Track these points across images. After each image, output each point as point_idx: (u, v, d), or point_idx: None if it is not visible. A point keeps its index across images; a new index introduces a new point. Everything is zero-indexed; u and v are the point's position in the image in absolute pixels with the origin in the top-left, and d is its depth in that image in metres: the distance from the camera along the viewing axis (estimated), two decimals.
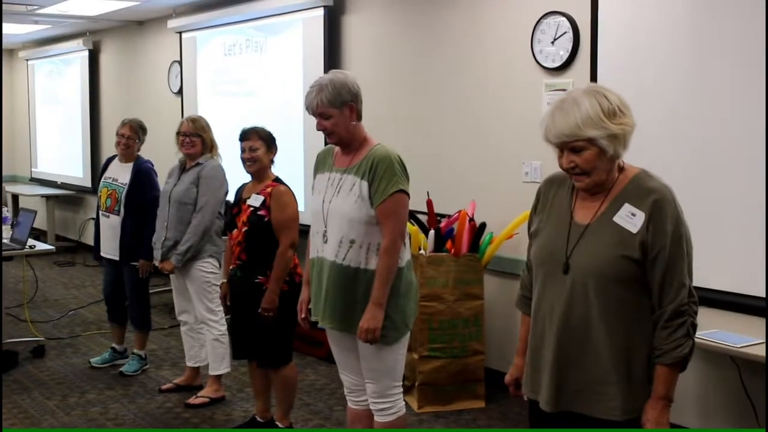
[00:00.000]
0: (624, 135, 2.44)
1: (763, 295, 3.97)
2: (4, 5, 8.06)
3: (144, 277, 5.71)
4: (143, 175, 5.69)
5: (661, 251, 2.43)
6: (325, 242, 3.51)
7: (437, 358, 5.10)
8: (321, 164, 3.67)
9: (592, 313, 2.48)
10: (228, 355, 5.24)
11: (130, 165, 5.74)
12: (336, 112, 3.45)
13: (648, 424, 2.46)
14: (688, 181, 4.12)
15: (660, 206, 2.44)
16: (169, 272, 5.26)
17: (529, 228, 2.75)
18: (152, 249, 5.46)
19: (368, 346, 3.48)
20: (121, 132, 5.79)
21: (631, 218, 2.45)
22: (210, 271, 5.14)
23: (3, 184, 11.88)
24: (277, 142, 4.56)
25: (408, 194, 3.48)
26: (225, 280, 4.65)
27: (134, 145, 5.78)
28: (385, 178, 3.41)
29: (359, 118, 3.53)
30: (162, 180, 5.55)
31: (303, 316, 3.72)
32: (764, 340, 3.67)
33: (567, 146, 2.45)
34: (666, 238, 2.42)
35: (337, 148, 3.61)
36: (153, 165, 5.82)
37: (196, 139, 5.14)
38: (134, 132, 5.77)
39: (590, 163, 2.45)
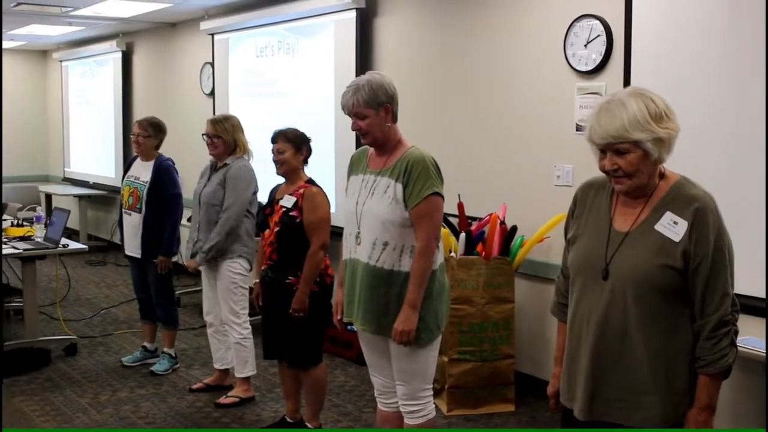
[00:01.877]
0: (669, 139, 2.43)
1: None
2: (38, 7, 8.16)
3: (163, 273, 5.76)
4: (163, 172, 5.76)
5: (703, 260, 2.41)
6: (359, 244, 3.52)
7: (467, 361, 5.09)
8: (355, 166, 3.67)
9: (630, 321, 2.46)
10: (252, 357, 5.26)
11: (151, 163, 5.80)
12: (372, 112, 3.46)
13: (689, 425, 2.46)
14: (722, 186, 4.07)
15: (703, 214, 2.42)
16: (193, 270, 5.29)
17: (566, 233, 2.72)
18: (171, 245, 5.55)
19: (401, 348, 3.48)
20: (133, 131, 5.92)
21: (673, 227, 2.43)
22: (238, 272, 5.16)
23: (36, 184, 12.09)
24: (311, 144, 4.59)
25: (443, 197, 3.48)
26: (257, 280, 4.67)
27: (146, 142, 5.83)
28: (420, 180, 3.41)
29: (395, 119, 3.53)
30: (188, 179, 5.60)
31: (339, 317, 3.73)
32: None
33: (611, 148, 2.43)
34: (709, 246, 2.41)
35: (371, 150, 3.61)
36: (174, 163, 5.88)
37: (217, 140, 5.16)
38: (143, 129, 5.84)
39: (634, 166, 2.43)
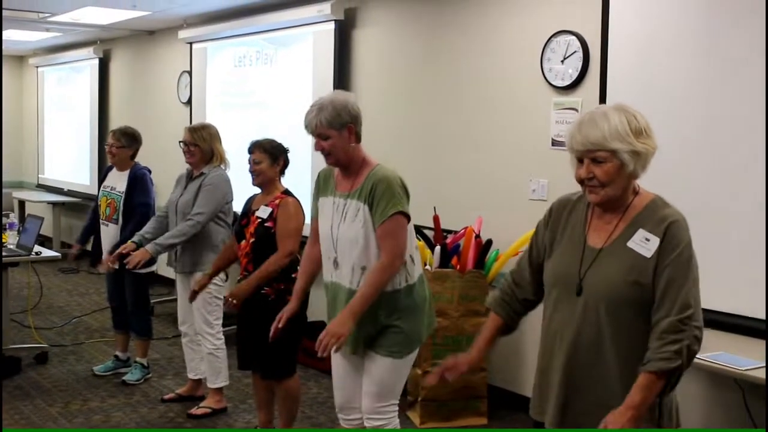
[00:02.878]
0: (646, 155, 2.47)
1: (765, 317, 3.98)
2: (16, 12, 8.11)
3: (140, 283, 5.76)
4: (136, 181, 5.74)
5: (666, 267, 2.43)
6: (337, 268, 3.53)
7: None
8: (323, 187, 3.66)
9: (603, 335, 2.48)
10: (225, 368, 5.24)
11: (127, 173, 5.77)
12: (335, 133, 3.45)
13: (608, 425, 2.41)
14: (695, 201, 4.12)
15: (673, 229, 2.45)
16: (134, 262, 5.10)
17: (533, 241, 2.75)
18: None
19: (379, 359, 3.49)
20: (107, 141, 5.91)
21: (645, 243, 2.46)
22: (214, 283, 5.13)
23: (10, 190, 11.98)
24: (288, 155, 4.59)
25: (407, 216, 3.47)
26: (208, 273, 4.84)
27: (120, 152, 5.81)
28: (383, 199, 3.41)
29: (358, 140, 3.52)
30: (164, 187, 5.57)
31: (280, 325, 3.74)
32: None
33: (589, 155, 2.47)
34: (673, 254, 2.43)
35: (337, 171, 3.60)
36: (150, 172, 5.85)
37: (194, 148, 5.15)
38: (117, 139, 5.83)
39: (609, 176, 2.46)
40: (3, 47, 11.29)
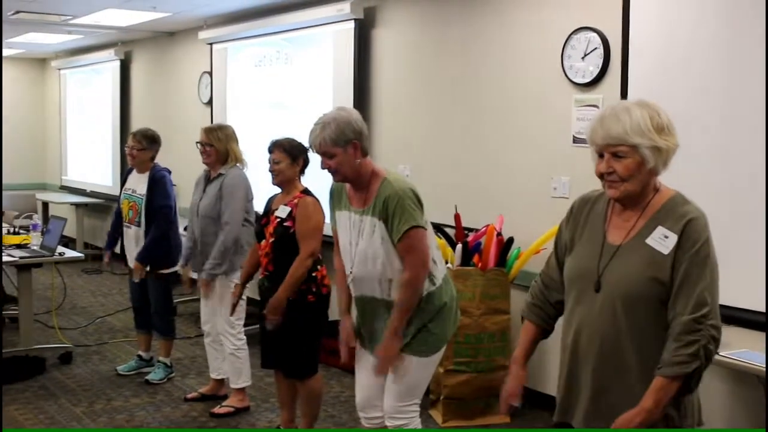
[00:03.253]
0: (667, 151, 2.46)
1: None
2: (38, 15, 8.17)
3: (163, 284, 5.80)
4: (156, 182, 5.76)
5: (683, 264, 2.41)
6: (363, 283, 3.57)
7: (463, 372, 5.09)
8: (337, 201, 3.68)
9: (622, 332, 2.47)
10: (247, 368, 5.26)
11: (147, 175, 5.80)
12: (340, 151, 3.45)
13: (617, 426, 2.41)
14: (717, 200, 4.09)
15: (692, 226, 2.44)
16: (203, 288, 5.29)
17: (557, 240, 2.74)
18: (155, 255, 5.69)
19: (405, 358, 3.51)
20: (127, 144, 5.92)
21: (663, 240, 2.45)
22: (236, 282, 5.16)
23: (34, 192, 12.09)
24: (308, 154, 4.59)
25: (422, 227, 3.47)
26: (240, 282, 4.81)
27: (140, 155, 5.82)
28: (396, 216, 3.42)
29: (365, 154, 3.52)
30: (185, 188, 5.59)
31: (352, 345, 3.73)
32: None
33: (610, 150, 2.46)
34: (690, 251, 2.41)
35: (348, 185, 3.61)
36: (170, 172, 5.88)
37: (209, 149, 5.18)
38: (137, 141, 5.84)
39: (629, 171, 2.45)
40: (26, 50, 11.42)
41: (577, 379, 2.59)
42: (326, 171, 3.54)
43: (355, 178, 3.52)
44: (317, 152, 3.51)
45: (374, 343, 3.59)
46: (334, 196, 3.70)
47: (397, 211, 3.41)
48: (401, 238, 3.41)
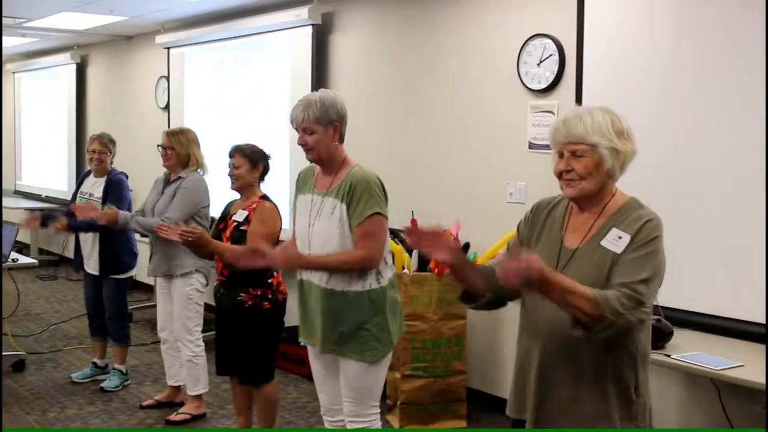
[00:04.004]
0: (625, 155, 2.51)
1: (743, 317, 4.03)
2: None
3: (119, 289, 5.75)
4: (112, 186, 5.71)
5: (629, 252, 2.44)
6: None
7: (419, 378, 5.10)
8: (302, 185, 3.67)
9: (575, 335, 2.49)
10: (204, 374, 5.23)
11: (104, 179, 5.75)
12: (320, 129, 3.46)
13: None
14: (671, 203, 4.15)
15: (645, 225, 2.47)
16: (107, 220, 5.16)
17: (515, 239, 2.75)
18: (127, 262, 5.61)
19: (351, 364, 3.50)
20: (92, 148, 5.84)
21: (617, 241, 2.49)
22: (195, 288, 5.13)
23: None
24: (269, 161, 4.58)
25: (386, 216, 3.48)
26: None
27: (107, 159, 5.80)
28: (362, 200, 3.42)
29: (341, 140, 3.54)
30: (142, 193, 5.55)
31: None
32: (743, 363, 3.69)
33: (570, 149, 2.51)
34: (637, 244, 2.45)
35: (317, 170, 3.61)
36: (127, 177, 5.84)
37: (170, 152, 5.15)
38: (105, 146, 5.80)
39: (587, 170, 2.50)
40: None
41: (529, 376, 2.61)
42: (302, 147, 3.51)
43: (328, 161, 3.52)
44: (297, 127, 3.49)
45: (313, 336, 3.57)
46: (300, 180, 3.69)
47: (364, 195, 3.41)
48: (363, 222, 3.40)
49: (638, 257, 2.43)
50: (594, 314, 2.34)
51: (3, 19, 8.12)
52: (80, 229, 5.71)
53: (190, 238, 4.12)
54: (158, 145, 5.23)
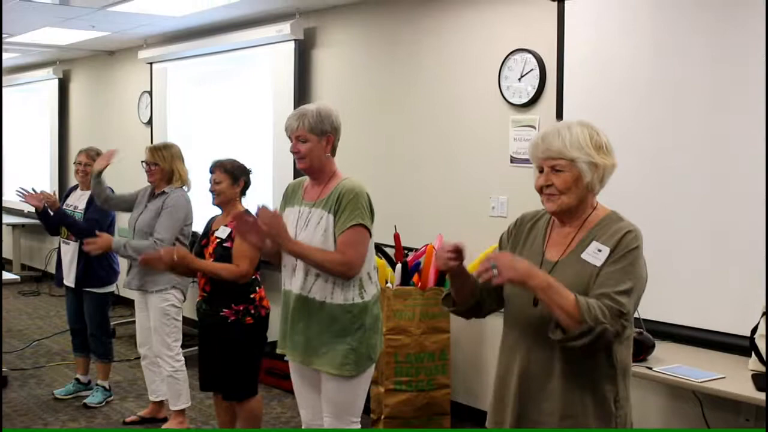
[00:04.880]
0: (604, 168, 2.54)
1: (724, 330, 4.06)
2: None
3: (99, 304, 5.74)
4: (94, 200, 5.70)
5: (609, 264, 2.46)
6: (294, 275, 3.54)
7: (403, 392, 5.10)
8: (290, 198, 3.68)
9: (555, 347, 2.51)
10: (186, 389, 5.22)
11: (89, 192, 5.75)
12: (314, 138, 3.48)
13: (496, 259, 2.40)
14: (653, 215, 4.18)
15: (624, 237, 2.50)
16: (103, 248, 5.10)
17: (500, 244, 2.79)
18: (105, 276, 5.62)
19: (331, 379, 3.49)
20: (78, 160, 5.87)
21: (597, 254, 2.51)
22: (171, 304, 5.12)
23: None
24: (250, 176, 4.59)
25: (369, 230, 3.49)
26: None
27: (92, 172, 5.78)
28: (347, 209, 3.43)
29: (333, 152, 3.57)
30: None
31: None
32: (725, 375, 3.72)
33: (549, 164, 2.53)
34: (616, 256, 2.46)
35: (306, 182, 3.62)
36: (112, 191, 5.83)
37: (154, 167, 5.15)
38: (91, 159, 5.81)
39: (566, 185, 2.52)
40: None
41: (509, 390, 2.62)
42: (294, 155, 3.52)
43: (318, 171, 3.54)
44: (291, 135, 3.51)
45: (295, 351, 3.57)
46: (289, 192, 3.70)
47: (350, 205, 3.43)
48: (345, 231, 3.41)
49: (618, 269, 2.46)
50: (575, 316, 2.36)
51: None
52: (64, 220, 5.68)
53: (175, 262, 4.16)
54: (142, 161, 5.22)
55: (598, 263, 2.49)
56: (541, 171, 2.58)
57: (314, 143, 3.49)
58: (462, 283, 2.74)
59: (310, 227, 3.48)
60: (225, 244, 4.37)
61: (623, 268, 2.46)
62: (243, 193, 4.57)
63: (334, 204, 3.46)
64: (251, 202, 4.63)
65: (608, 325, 2.38)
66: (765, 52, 3.92)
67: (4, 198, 11.92)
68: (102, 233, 5.19)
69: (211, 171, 4.52)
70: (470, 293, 2.75)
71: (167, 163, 5.15)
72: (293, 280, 3.55)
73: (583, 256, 2.53)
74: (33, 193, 5.69)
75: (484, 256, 4.98)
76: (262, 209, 3.35)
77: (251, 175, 4.61)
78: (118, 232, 5.90)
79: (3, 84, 11.73)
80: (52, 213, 5.70)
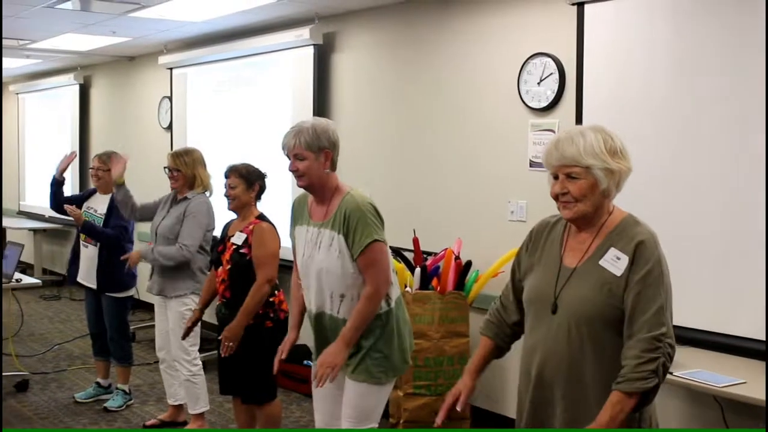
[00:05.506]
0: (620, 174, 2.52)
1: (745, 335, 4.04)
2: None
3: (118, 309, 5.79)
4: (115, 204, 5.74)
5: (636, 284, 2.46)
6: (317, 297, 3.55)
7: (422, 396, 5.10)
8: (298, 215, 3.67)
9: (576, 353, 2.51)
10: (204, 393, 5.24)
11: (109, 196, 5.79)
12: (311, 155, 3.46)
13: None
14: (668, 222, 4.16)
15: (642, 247, 2.48)
16: (133, 262, 5.36)
17: (515, 264, 2.79)
18: (125, 280, 5.67)
19: (360, 385, 3.50)
20: (92, 165, 5.96)
21: (615, 262, 2.50)
22: (190, 308, 5.13)
23: None
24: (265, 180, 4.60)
25: (383, 241, 3.49)
26: (198, 308, 4.75)
27: (106, 176, 5.83)
28: (358, 229, 3.42)
29: (333, 167, 3.54)
30: None
31: (283, 357, 3.70)
32: (746, 380, 3.69)
33: (564, 171, 2.52)
34: (642, 272, 2.46)
35: (310, 199, 3.61)
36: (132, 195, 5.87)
37: (177, 173, 5.17)
38: (103, 162, 5.85)
39: (582, 192, 2.51)
40: None
41: (546, 403, 2.61)
42: (293, 173, 3.52)
43: (319, 188, 3.52)
44: (288, 154, 3.50)
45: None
46: (296, 210, 3.69)
47: (359, 226, 3.42)
48: (363, 251, 3.41)
49: (648, 295, 2.44)
50: (640, 398, 2.43)
51: (7, 41, 8.19)
52: (92, 233, 5.77)
53: None
54: (165, 167, 5.24)
55: (618, 272, 2.48)
56: (555, 177, 2.56)
57: (312, 160, 3.46)
58: (480, 370, 2.88)
59: (323, 249, 3.48)
60: (241, 251, 4.39)
61: (650, 286, 2.45)
62: (258, 197, 4.58)
63: (341, 225, 3.44)
64: (270, 205, 4.66)
65: (664, 368, 2.43)
66: (765, 53, 3.91)
67: (25, 202, 12.05)
68: (128, 255, 5.37)
69: (226, 176, 4.53)
70: (498, 354, 2.88)
71: (189, 168, 5.17)
72: (316, 300, 3.55)
73: (601, 263, 2.52)
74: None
75: (503, 261, 5.01)
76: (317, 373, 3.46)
77: (266, 180, 4.62)
78: (137, 236, 5.92)
79: (25, 90, 11.86)
80: (78, 226, 5.76)
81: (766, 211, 3.92)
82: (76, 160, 10.51)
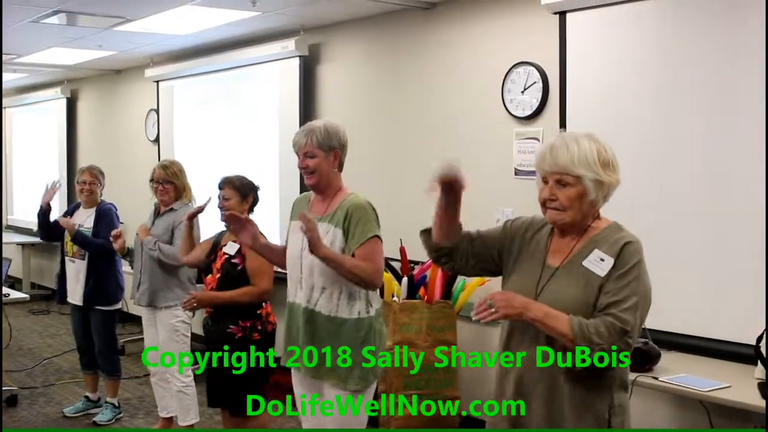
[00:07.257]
0: (609, 186, 2.54)
1: (730, 339, 4.07)
2: None
3: (106, 322, 5.77)
4: (104, 216, 5.75)
5: (616, 278, 2.47)
6: (300, 288, 3.56)
7: (412, 404, 5.11)
8: (296, 211, 3.69)
9: (555, 352, 2.52)
10: (195, 405, 5.23)
11: (94, 210, 5.79)
12: (322, 154, 3.51)
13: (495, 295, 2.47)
14: (653, 228, 4.19)
15: (627, 249, 2.50)
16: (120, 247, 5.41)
17: (507, 225, 2.81)
18: (114, 293, 5.64)
19: (333, 393, 3.50)
20: (83, 179, 5.89)
21: (599, 263, 2.51)
22: (181, 320, 5.14)
23: None
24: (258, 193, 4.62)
25: (382, 241, 3.53)
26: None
27: (97, 191, 5.85)
28: (360, 224, 3.46)
29: (341, 168, 3.60)
30: (132, 225, 5.58)
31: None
32: (731, 384, 3.72)
33: (555, 178, 2.53)
34: (621, 270, 2.47)
35: (312, 196, 3.65)
36: (116, 208, 5.88)
37: (168, 185, 5.17)
38: (95, 177, 5.86)
39: (570, 201, 2.52)
40: None
41: (506, 394, 2.64)
42: (302, 171, 3.55)
43: (326, 186, 3.57)
44: (299, 151, 3.54)
45: (301, 364, 3.57)
46: (296, 207, 3.73)
47: (361, 220, 3.46)
48: (363, 244, 3.43)
49: (622, 285, 2.46)
50: (571, 337, 2.40)
51: None
52: (85, 243, 5.74)
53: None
54: (152, 180, 5.23)
55: (601, 273, 2.50)
56: (545, 182, 2.57)
57: (322, 159, 3.52)
58: (449, 216, 2.84)
59: None
60: (233, 260, 4.39)
61: (627, 284, 2.46)
62: (251, 209, 4.59)
63: (342, 220, 3.48)
64: (256, 216, 4.66)
65: (605, 345, 2.39)
66: (765, 53, 3.94)
67: (13, 216, 12.03)
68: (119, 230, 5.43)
69: (220, 187, 4.54)
70: (448, 232, 2.84)
71: (179, 179, 5.20)
72: (299, 292, 3.56)
73: (585, 263, 2.54)
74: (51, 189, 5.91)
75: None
76: (301, 213, 3.38)
77: (259, 192, 4.64)
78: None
79: (12, 104, 11.85)
80: (71, 236, 5.74)
81: (766, 213, 3.94)
82: (65, 175, 10.54)
